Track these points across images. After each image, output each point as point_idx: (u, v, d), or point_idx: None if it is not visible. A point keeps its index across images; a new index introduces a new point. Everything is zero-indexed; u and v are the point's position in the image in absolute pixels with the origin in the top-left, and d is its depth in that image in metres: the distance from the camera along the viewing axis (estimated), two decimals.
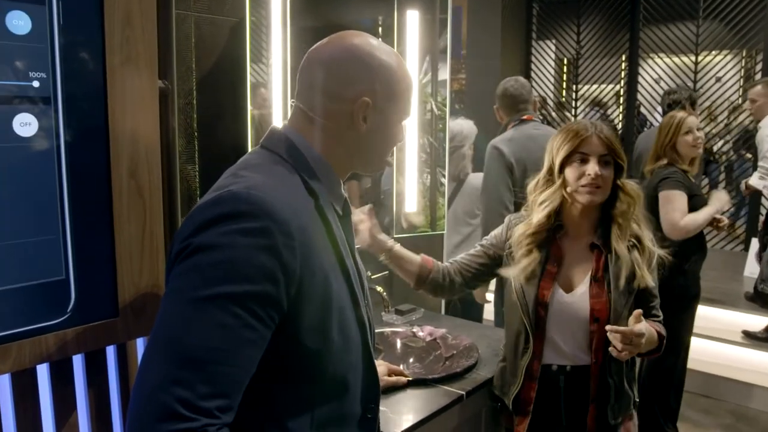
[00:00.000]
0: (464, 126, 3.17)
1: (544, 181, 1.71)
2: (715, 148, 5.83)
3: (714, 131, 5.76)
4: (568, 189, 1.63)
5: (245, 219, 0.86)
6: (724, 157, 5.92)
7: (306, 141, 1.03)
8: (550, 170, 1.68)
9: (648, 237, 1.69)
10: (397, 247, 1.75)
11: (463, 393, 1.71)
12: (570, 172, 1.63)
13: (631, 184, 1.68)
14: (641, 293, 1.65)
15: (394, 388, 1.72)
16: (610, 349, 1.50)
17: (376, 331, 2.10)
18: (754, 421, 3.43)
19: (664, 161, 2.78)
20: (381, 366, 1.73)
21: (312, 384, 0.96)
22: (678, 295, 2.80)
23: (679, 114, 2.81)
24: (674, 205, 2.69)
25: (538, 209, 1.68)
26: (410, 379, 1.75)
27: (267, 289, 0.85)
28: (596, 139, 1.60)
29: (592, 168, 1.59)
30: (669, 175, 2.73)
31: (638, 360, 3.33)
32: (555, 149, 1.66)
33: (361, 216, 1.66)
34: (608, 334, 1.48)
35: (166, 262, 0.94)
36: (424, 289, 1.81)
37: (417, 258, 1.78)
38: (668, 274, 2.73)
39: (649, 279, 1.64)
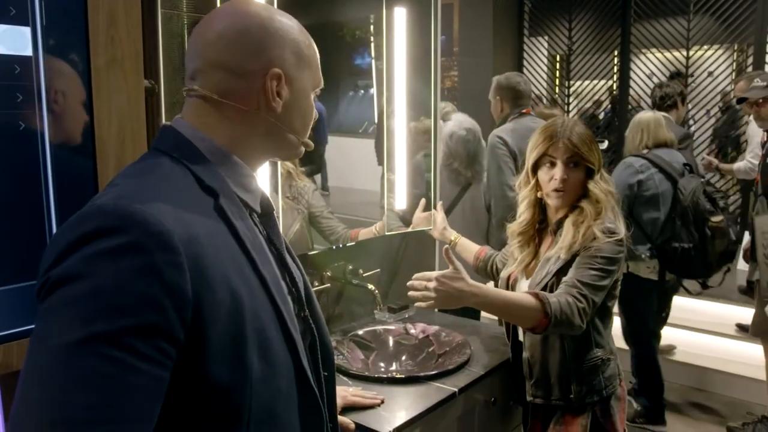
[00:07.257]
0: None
1: (524, 180, 1.80)
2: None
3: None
4: (543, 190, 1.73)
5: (112, 236, 0.69)
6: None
7: (201, 132, 0.87)
8: (527, 170, 1.77)
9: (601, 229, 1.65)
10: (460, 240, 2.15)
11: (456, 390, 1.71)
12: (541, 175, 1.72)
13: (596, 191, 1.67)
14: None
15: (391, 380, 1.75)
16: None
17: (369, 329, 2.10)
18: (748, 414, 3.44)
19: None
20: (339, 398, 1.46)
21: (234, 424, 0.79)
22: None
23: None
24: None
25: (521, 207, 1.80)
26: (382, 401, 1.63)
27: (150, 320, 0.69)
28: (562, 144, 1.66)
29: (558, 173, 1.66)
30: None
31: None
32: (529, 150, 1.75)
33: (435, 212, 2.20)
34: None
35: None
36: (480, 275, 2.07)
37: (475, 249, 2.10)
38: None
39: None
